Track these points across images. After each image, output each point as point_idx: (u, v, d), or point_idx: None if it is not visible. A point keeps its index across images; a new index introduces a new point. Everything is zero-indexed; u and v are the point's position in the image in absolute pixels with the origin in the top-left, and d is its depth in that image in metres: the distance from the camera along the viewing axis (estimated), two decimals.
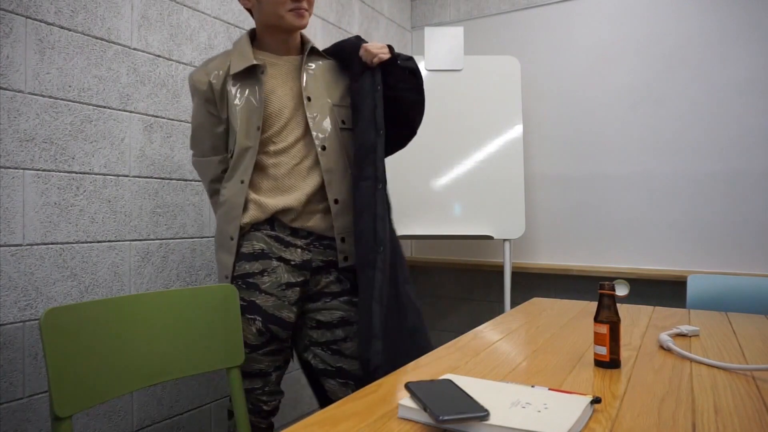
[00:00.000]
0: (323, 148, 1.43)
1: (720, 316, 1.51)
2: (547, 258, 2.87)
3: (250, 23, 2.15)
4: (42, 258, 1.49)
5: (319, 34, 2.53)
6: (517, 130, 2.61)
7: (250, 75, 1.41)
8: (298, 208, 1.41)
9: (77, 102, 1.57)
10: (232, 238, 1.40)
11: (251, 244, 1.41)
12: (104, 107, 1.64)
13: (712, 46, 2.50)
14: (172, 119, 1.84)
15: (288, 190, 1.41)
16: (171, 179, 1.84)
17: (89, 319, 1.10)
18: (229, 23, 2.05)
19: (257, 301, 1.38)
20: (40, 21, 1.48)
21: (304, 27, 1.42)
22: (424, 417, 0.72)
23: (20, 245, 1.45)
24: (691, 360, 1.04)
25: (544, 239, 2.87)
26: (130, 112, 1.71)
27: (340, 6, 2.68)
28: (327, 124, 1.45)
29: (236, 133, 1.40)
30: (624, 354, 1.08)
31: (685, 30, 2.56)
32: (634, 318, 1.44)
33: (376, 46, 1.44)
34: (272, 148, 1.41)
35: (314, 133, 1.43)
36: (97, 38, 1.62)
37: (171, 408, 1.84)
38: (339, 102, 1.49)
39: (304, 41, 1.51)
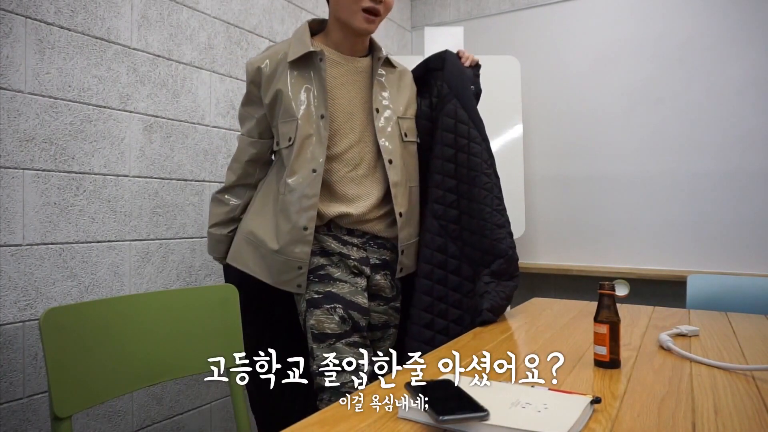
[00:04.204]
0: (390, 161, 1.40)
1: (720, 316, 1.51)
2: (547, 258, 2.87)
3: (250, 23, 2.15)
4: (42, 258, 1.49)
5: None
6: (517, 130, 2.61)
7: (308, 63, 1.37)
8: (356, 216, 1.39)
9: (77, 102, 1.57)
10: (306, 228, 1.33)
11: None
12: (104, 107, 1.64)
13: (712, 46, 2.50)
14: (172, 119, 1.84)
15: (341, 198, 1.38)
16: (171, 179, 1.84)
17: (89, 319, 1.10)
18: (229, 23, 2.05)
19: (333, 290, 1.35)
20: (40, 21, 1.48)
21: (370, 33, 1.38)
22: (424, 417, 0.72)
23: (20, 245, 1.45)
24: (691, 360, 1.04)
25: (544, 239, 2.87)
26: (130, 112, 1.71)
27: None
28: (393, 136, 1.43)
29: (294, 122, 1.34)
30: (624, 354, 1.08)
31: (684, 30, 2.56)
32: (634, 318, 1.44)
33: (467, 54, 1.61)
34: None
35: (382, 144, 1.40)
36: (97, 38, 1.62)
37: (171, 408, 1.84)
38: (403, 114, 1.47)
39: (374, 46, 1.47)
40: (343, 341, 1.34)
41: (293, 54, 1.35)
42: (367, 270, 1.41)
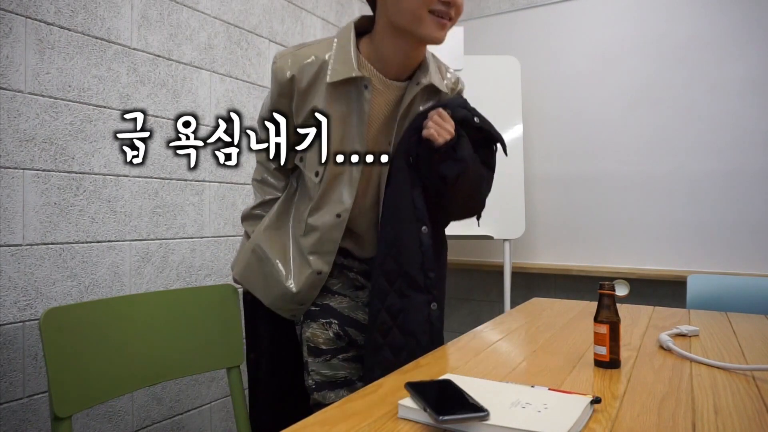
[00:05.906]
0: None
1: (720, 316, 1.51)
2: (547, 258, 2.87)
3: (250, 23, 2.14)
4: (42, 258, 1.49)
5: (319, 34, 2.53)
6: (517, 130, 2.61)
7: (350, 86, 1.18)
8: (359, 253, 1.34)
9: (77, 102, 1.57)
10: (320, 273, 1.26)
11: None
12: (104, 107, 1.64)
13: (711, 46, 2.50)
14: (172, 119, 1.84)
15: (350, 234, 1.30)
16: (171, 179, 1.84)
17: (89, 319, 1.10)
18: (228, 23, 2.05)
19: (331, 304, 1.30)
20: (40, 21, 1.48)
21: (439, 42, 1.14)
22: (424, 417, 0.72)
23: (20, 245, 1.45)
24: (691, 360, 1.04)
25: (544, 239, 2.87)
26: (130, 112, 1.71)
27: (340, 6, 2.68)
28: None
29: (323, 153, 1.20)
30: (624, 354, 1.08)
31: (684, 30, 2.56)
32: (634, 318, 1.44)
33: (439, 122, 1.16)
34: None
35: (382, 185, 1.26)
36: (97, 38, 1.62)
37: (171, 408, 1.84)
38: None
39: (422, 65, 1.23)
40: (340, 357, 1.29)
41: (335, 74, 1.16)
42: (368, 284, 1.34)
